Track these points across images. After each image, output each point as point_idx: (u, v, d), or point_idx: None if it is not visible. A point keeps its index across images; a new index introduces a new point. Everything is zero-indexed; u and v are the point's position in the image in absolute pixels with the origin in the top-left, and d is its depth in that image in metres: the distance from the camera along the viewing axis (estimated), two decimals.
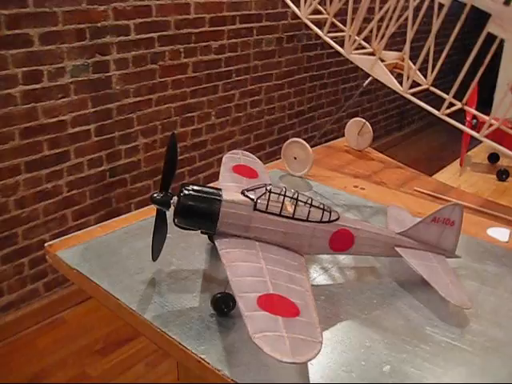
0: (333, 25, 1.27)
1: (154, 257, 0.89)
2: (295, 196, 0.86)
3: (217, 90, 2.87)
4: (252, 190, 0.86)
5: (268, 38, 3.07)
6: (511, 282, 0.95)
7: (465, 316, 0.86)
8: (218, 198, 0.84)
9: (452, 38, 1.15)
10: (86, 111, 2.31)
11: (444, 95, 1.15)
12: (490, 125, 1.12)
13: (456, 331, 0.82)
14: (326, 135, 3.18)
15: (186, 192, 0.84)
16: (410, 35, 1.13)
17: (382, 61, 1.22)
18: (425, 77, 1.22)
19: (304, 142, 1.25)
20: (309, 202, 0.87)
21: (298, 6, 1.26)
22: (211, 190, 0.85)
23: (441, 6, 1.09)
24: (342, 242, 0.89)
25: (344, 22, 1.25)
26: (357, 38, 1.16)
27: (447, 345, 0.79)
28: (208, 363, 0.74)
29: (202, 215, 0.84)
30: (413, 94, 1.16)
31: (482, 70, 1.15)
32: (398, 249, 0.92)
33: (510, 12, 0.99)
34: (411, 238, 0.93)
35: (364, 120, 1.45)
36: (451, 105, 1.20)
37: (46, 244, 0.98)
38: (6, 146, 2.06)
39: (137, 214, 1.11)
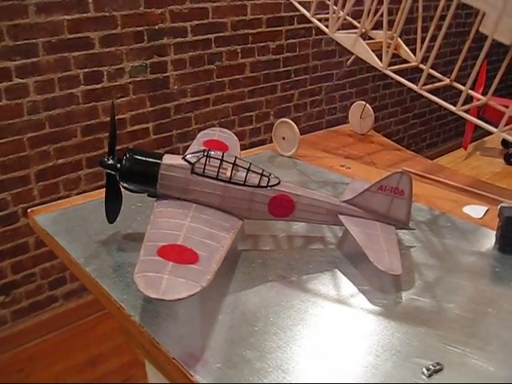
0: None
1: (110, 219, 0.95)
2: (233, 161, 0.89)
3: (275, 90, 2.90)
4: (192, 154, 0.90)
5: (327, 37, 3.04)
6: (463, 256, 0.91)
7: (399, 286, 0.83)
8: (158, 161, 0.89)
9: (437, 13, 1.12)
10: (144, 110, 2.43)
11: (423, 67, 1.12)
12: (473, 99, 1.08)
13: (383, 297, 0.81)
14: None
15: (128, 156, 0.89)
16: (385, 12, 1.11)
17: (371, 38, 1.21)
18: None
19: (291, 122, 1.26)
20: (247, 167, 0.89)
21: None
22: (152, 154, 0.90)
23: None
24: (281, 207, 0.90)
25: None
26: (341, 13, 1.15)
27: (366, 310, 0.78)
28: (124, 309, 0.78)
29: (142, 178, 0.89)
30: (396, 72, 1.14)
31: (467, 45, 1.11)
32: (341, 217, 0.91)
33: None
34: (357, 207, 0.92)
35: (364, 102, 1.43)
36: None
37: (29, 210, 1.07)
38: (69, 142, 2.22)
39: None
